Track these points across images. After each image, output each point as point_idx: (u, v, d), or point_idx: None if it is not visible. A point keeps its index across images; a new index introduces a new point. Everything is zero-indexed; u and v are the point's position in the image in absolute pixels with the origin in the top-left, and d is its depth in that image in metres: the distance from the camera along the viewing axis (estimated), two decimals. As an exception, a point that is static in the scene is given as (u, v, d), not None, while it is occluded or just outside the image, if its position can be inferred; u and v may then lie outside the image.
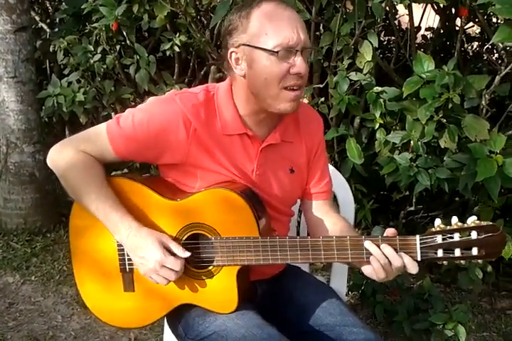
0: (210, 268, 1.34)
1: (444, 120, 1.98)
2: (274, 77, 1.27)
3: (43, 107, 2.83)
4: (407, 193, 2.59)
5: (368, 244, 1.23)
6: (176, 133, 1.32)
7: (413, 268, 1.22)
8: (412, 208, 2.60)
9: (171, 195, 1.36)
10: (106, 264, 1.40)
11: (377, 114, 2.15)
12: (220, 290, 1.34)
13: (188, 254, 1.29)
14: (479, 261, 1.20)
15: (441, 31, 2.99)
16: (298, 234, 1.77)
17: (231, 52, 1.31)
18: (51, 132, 3.70)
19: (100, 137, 1.35)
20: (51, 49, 2.76)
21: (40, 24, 3.31)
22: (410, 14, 2.44)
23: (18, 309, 2.53)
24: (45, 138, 3.13)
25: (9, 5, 2.68)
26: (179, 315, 1.41)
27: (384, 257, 1.22)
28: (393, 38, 3.07)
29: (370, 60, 2.08)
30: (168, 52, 2.48)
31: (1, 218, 3.10)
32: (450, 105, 1.96)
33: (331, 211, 1.52)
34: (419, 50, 2.52)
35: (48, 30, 3.24)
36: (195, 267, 1.35)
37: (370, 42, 2.07)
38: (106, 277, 1.41)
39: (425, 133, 2.02)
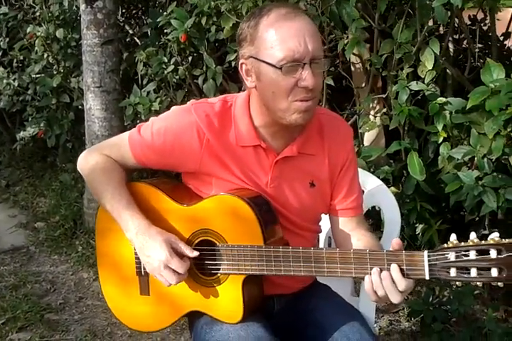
0: (218, 275, 1.31)
1: (514, 135, 1.79)
2: (282, 92, 1.23)
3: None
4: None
5: (374, 271, 1.15)
6: (189, 143, 1.33)
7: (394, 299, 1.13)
8: (486, 232, 2.36)
9: (187, 200, 1.37)
10: (124, 267, 1.42)
11: (440, 127, 1.99)
12: (226, 300, 1.31)
13: (196, 254, 1.28)
14: (499, 284, 1.05)
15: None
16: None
17: (241, 64, 1.29)
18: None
19: (123, 144, 1.40)
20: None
21: (134, 38, 3.54)
22: (491, 19, 2.26)
23: (86, 304, 2.68)
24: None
25: (97, 20, 2.90)
26: (192, 321, 1.41)
27: (382, 288, 1.14)
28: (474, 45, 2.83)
29: (431, 68, 1.93)
30: (233, 63, 2.51)
31: (84, 217, 3.31)
32: (520, 118, 1.76)
33: (358, 228, 1.42)
34: (507, 58, 2.31)
35: (138, 42, 3.45)
36: (204, 274, 1.33)
37: (432, 49, 1.92)
38: (124, 280, 1.43)
39: (492, 149, 1.83)
